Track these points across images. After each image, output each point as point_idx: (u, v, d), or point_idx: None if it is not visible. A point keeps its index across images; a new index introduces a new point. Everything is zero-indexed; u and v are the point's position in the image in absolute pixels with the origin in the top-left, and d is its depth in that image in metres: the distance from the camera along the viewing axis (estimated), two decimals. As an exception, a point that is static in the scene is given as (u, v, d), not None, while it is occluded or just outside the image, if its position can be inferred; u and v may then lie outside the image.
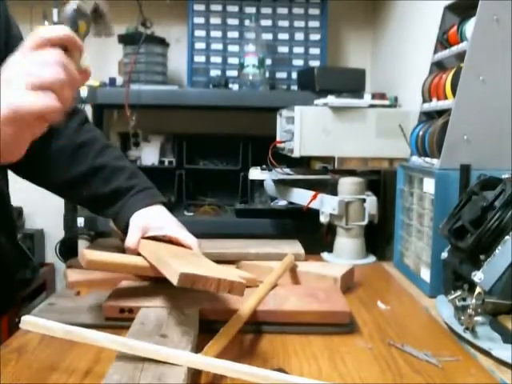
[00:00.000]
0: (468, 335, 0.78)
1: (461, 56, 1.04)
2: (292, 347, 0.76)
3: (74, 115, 1.02)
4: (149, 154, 1.99)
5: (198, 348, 0.69)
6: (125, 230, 0.97)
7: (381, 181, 1.65)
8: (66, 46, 0.61)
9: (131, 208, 0.97)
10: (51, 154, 0.98)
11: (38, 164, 0.99)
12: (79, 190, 1.02)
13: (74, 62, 0.61)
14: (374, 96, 1.51)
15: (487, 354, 0.74)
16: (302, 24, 2.01)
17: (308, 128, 1.41)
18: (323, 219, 1.30)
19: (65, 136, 0.99)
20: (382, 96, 1.55)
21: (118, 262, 0.84)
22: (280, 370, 0.65)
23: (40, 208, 2.15)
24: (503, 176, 0.87)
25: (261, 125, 1.88)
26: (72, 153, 0.99)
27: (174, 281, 0.67)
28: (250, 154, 1.99)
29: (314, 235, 1.39)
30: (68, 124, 1.00)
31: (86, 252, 0.84)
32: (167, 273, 0.73)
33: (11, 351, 0.73)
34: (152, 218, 0.96)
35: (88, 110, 1.91)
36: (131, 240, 0.93)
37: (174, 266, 0.70)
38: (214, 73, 1.97)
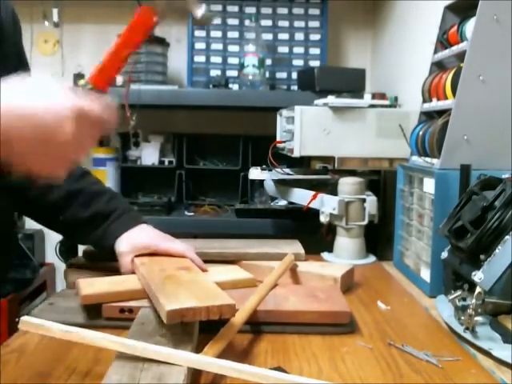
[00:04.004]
0: (468, 335, 0.78)
1: (461, 56, 1.04)
2: (292, 347, 0.77)
3: None
4: (149, 154, 1.99)
5: (198, 348, 0.69)
6: (110, 255, 0.97)
7: (381, 181, 1.65)
8: None
9: (115, 233, 0.96)
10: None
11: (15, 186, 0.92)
12: (57, 215, 0.99)
13: None
14: (374, 96, 1.51)
15: (487, 353, 0.74)
16: (302, 24, 2.01)
17: (308, 128, 1.41)
18: (323, 219, 1.30)
19: None
20: (382, 96, 1.55)
21: (114, 292, 0.84)
22: (279, 368, 0.65)
23: (40, 208, 2.15)
24: (503, 176, 0.87)
25: (261, 125, 1.88)
26: None
27: (164, 319, 0.68)
28: (250, 154, 1.99)
29: (314, 235, 1.38)
30: None
31: (82, 286, 0.84)
32: (158, 308, 0.73)
33: (11, 351, 0.73)
34: (139, 238, 0.96)
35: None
36: (125, 264, 0.94)
37: (162, 301, 0.70)
38: (214, 73, 1.97)
